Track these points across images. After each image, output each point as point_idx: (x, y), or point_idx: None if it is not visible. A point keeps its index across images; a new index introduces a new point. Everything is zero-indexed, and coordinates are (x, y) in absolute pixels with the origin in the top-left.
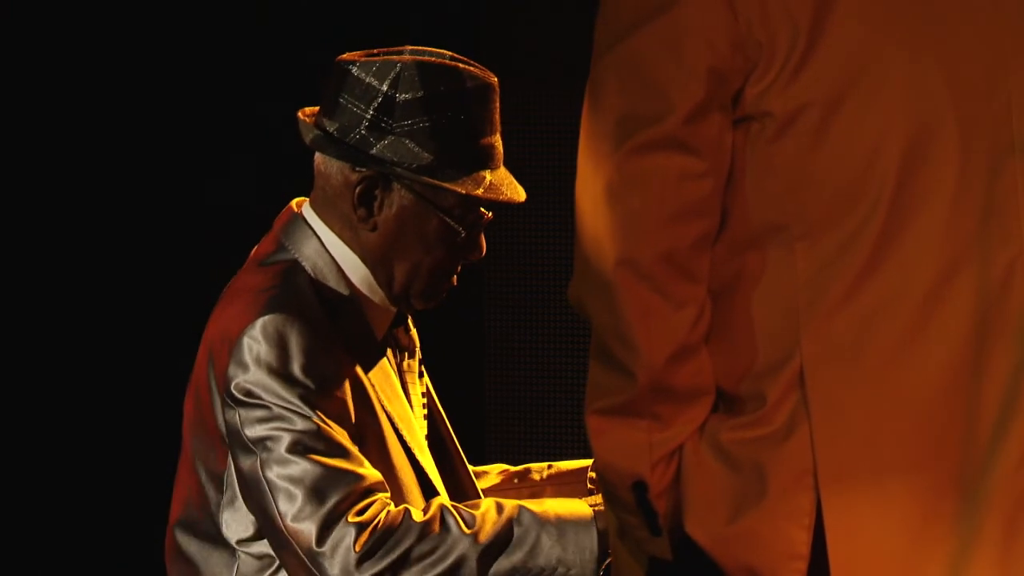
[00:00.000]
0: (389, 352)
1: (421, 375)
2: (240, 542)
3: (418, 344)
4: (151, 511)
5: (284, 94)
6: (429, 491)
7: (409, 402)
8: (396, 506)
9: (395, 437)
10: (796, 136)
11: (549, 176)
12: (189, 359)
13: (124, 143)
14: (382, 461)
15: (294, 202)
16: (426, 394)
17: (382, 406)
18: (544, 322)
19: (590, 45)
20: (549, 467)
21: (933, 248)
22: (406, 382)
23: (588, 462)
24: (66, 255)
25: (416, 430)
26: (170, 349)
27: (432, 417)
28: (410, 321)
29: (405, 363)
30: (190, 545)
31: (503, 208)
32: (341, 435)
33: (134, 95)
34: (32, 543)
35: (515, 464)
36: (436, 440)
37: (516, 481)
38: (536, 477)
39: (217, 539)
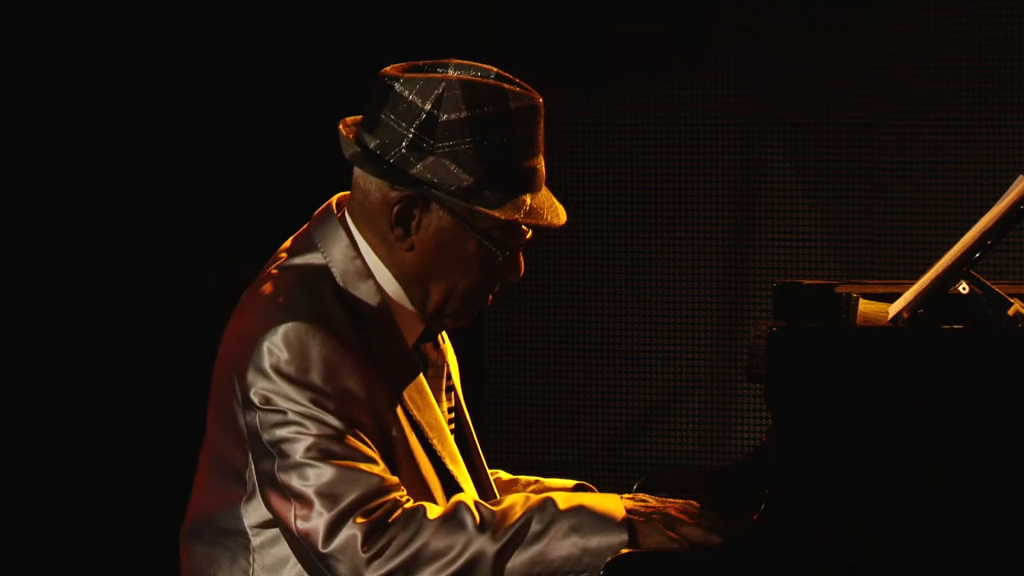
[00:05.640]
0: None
1: (450, 389)
2: (260, 540)
3: (449, 362)
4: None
5: (281, 91)
6: None
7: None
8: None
9: (423, 447)
10: None
11: (549, 176)
12: (208, 361)
13: (140, 146)
14: (409, 471)
15: (335, 199)
16: (453, 409)
17: (410, 416)
18: (545, 324)
19: (588, 45)
20: (536, 482)
21: None
22: (435, 389)
23: (571, 483)
24: (77, 257)
25: (449, 440)
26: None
27: (459, 431)
28: (442, 337)
29: (433, 377)
30: (205, 539)
31: (542, 230)
32: (358, 439)
33: (144, 98)
34: (32, 543)
35: (510, 472)
36: (462, 451)
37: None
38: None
39: (235, 534)
